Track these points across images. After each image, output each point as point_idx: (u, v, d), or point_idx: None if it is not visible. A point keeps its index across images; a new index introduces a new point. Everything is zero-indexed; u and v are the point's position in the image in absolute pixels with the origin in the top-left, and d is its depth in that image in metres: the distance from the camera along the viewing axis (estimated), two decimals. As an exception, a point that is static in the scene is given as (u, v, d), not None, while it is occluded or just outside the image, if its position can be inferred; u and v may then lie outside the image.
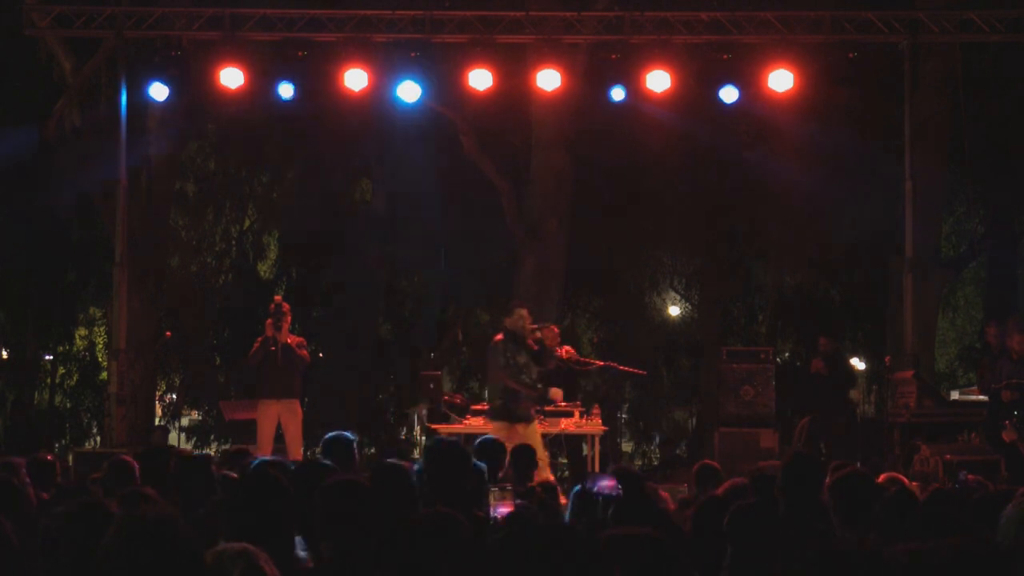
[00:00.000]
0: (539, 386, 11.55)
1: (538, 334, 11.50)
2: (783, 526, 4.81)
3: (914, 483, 10.78)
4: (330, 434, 6.74)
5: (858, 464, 13.83)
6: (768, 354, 14.88)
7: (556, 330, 14.20)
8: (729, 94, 13.93)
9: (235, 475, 6.13)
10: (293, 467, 5.53)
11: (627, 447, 22.68)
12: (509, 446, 10.62)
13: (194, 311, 20.93)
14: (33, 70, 17.78)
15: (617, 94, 14.06)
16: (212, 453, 18.79)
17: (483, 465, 6.07)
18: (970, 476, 8.72)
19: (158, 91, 14.00)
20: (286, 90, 13.94)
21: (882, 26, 14.08)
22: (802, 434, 14.08)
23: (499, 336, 11.50)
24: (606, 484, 5.18)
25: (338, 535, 4.16)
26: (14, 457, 6.82)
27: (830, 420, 14.31)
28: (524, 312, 11.51)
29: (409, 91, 13.93)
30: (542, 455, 10.77)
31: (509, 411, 11.10)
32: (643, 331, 22.35)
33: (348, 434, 6.73)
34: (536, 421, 11.47)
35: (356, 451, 6.66)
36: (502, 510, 6.23)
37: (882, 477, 7.10)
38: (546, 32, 14.12)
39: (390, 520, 4.23)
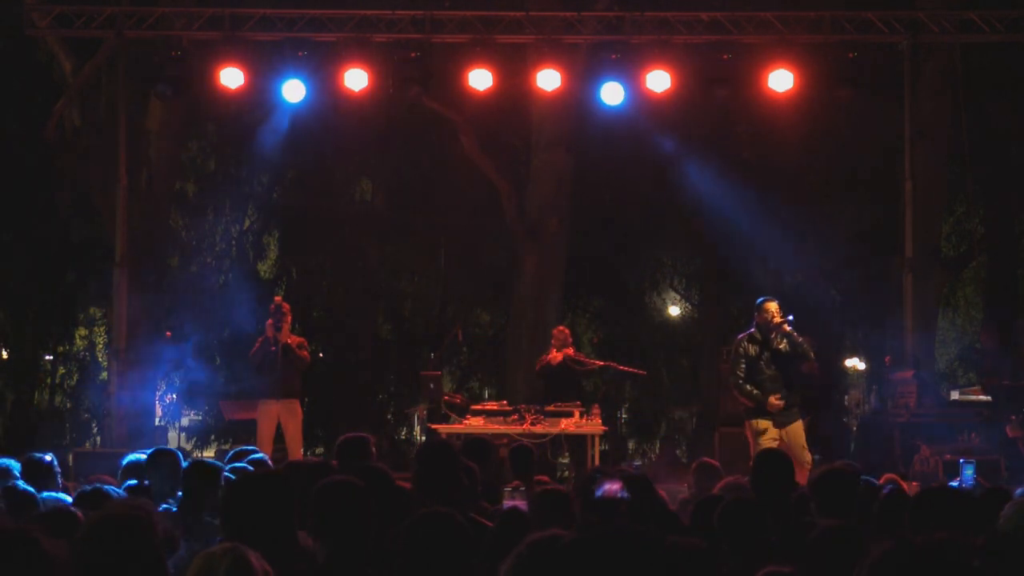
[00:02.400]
0: (751, 388, 10.72)
1: (787, 327, 10.63)
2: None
3: (914, 483, 10.81)
4: (346, 436, 6.82)
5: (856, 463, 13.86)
6: (768, 354, 14.85)
7: (567, 331, 14.17)
8: (724, 92, 13.95)
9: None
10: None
11: (627, 447, 22.68)
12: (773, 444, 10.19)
13: (194, 311, 20.91)
14: (33, 70, 17.78)
15: (613, 94, 14.01)
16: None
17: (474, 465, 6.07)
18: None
19: (163, 90, 13.98)
20: (296, 90, 13.90)
21: (882, 26, 14.08)
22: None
23: (745, 333, 10.97)
24: (612, 488, 5.17)
25: (334, 535, 4.17)
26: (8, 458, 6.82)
27: (826, 419, 14.33)
28: (770, 306, 10.74)
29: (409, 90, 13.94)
30: (798, 455, 10.33)
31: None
32: (643, 331, 22.36)
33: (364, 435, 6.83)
34: (798, 419, 10.79)
35: (373, 450, 6.74)
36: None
37: (883, 479, 7.10)
38: (546, 32, 14.12)
39: (387, 520, 4.24)
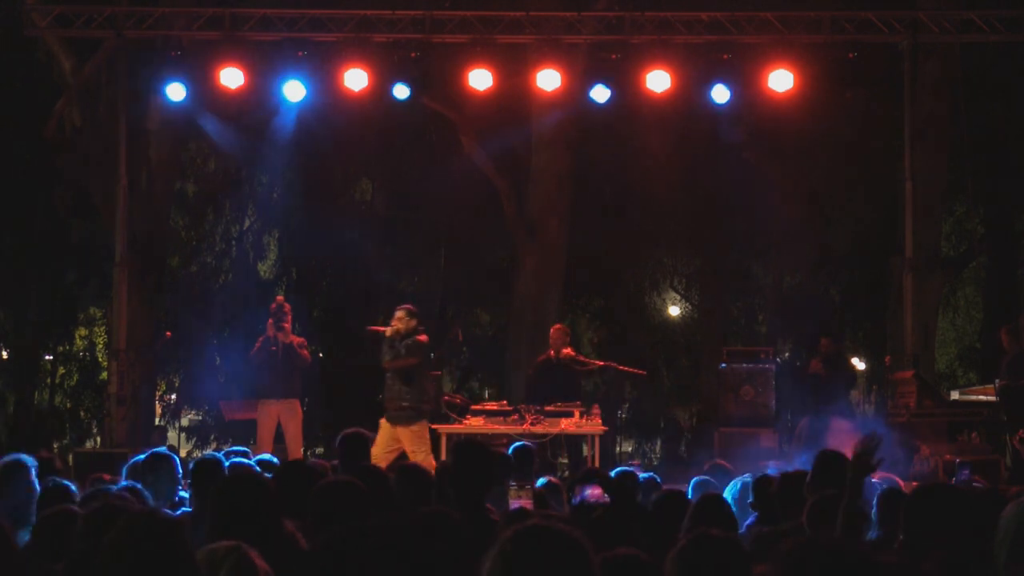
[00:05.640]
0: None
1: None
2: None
3: (914, 483, 10.80)
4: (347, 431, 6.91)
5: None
6: (768, 354, 14.87)
7: (566, 329, 13.96)
8: (725, 94, 13.91)
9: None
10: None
11: (627, 447, 22.71)
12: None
13: (194, 311, 20.93)
14: (33, 70, 17.78)
15: (601, 94, 14.00)
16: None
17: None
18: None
19: (174, 91, 13.94)
20: (293, 90, 13.88)
21: (882, 26, 14.07)
22: (801, 435, 14.06)
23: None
24: (593, 492, 5.19)
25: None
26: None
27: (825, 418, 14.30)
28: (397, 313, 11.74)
29: (403, 91, 13.92)
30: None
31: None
32: (643, 331, 22.38)
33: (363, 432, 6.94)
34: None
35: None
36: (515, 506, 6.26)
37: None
38: (546, 32, 14.12)
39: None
